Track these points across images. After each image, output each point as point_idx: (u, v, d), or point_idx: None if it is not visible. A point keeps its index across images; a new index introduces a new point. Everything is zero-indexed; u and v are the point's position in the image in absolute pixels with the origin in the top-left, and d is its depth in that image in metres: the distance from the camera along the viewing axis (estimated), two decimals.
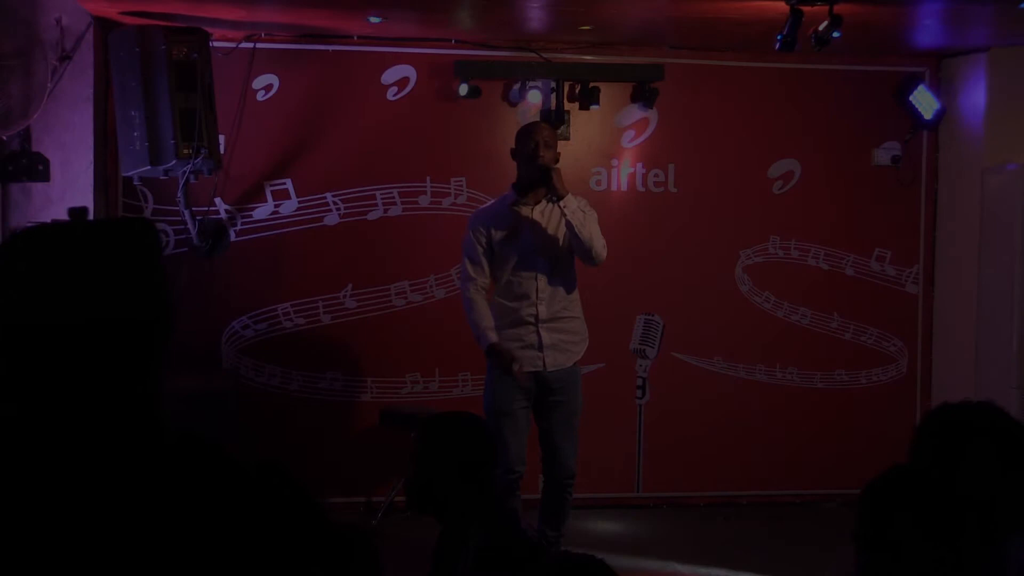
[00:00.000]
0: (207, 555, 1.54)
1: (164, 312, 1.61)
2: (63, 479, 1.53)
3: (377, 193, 6.89)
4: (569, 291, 5.57)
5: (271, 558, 1.58)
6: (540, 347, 5.47)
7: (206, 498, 1.56)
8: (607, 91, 6.94)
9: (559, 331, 5.50)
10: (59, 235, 1.59)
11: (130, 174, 5.92)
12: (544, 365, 5.47)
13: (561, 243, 5.49)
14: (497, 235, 5.48)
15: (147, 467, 1.55)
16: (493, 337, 5.41)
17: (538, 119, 6.75)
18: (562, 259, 5.52)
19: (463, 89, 6.68)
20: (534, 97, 6.86)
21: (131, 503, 1.52)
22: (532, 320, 5.46)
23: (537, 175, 5.43)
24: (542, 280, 5.48)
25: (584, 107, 6.91)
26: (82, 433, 1.55)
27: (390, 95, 6.88)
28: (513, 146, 5.56)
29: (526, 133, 5.51)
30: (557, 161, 5.49)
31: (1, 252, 1.57)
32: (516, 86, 6.85)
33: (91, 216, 1.64)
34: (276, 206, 6.81)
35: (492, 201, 5.82)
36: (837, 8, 5.16)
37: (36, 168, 5.59)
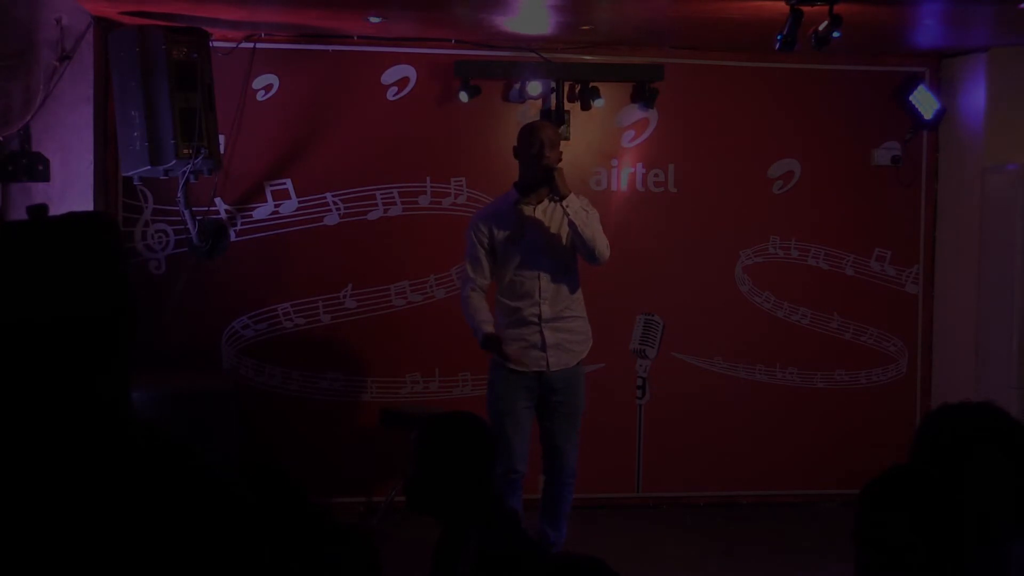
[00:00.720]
0: (165, 559, 1.53)
1: (124, 308, 1.60)
2: (21, 479, 1.52)
3: (377, 193, 6.89)
4: (572, 291, 5.56)
5: (236, 564, 1.56)
6: (543, 347, 5.46)
7: (167, 500, 1.54)
8: (607, 91, 6.94)
9: (562, 331, 5.50)
10: (15, 233, 1.59)
11: (130, 174, 5.92)
12: (547, 365, 5.46)
13: (563, 242, 5.49)
14: (499, 235, 5.48)
15: (109, 468, 1.54)
16: (488, 328, 5.41)
17: (538, 119, 6.76)
18: (565, 258, 5.52)
19: (463, 96, 6.69)
20: (534, 97, 6.86)
21: (90, 504, 1.51)
22: (535, 320, 5.46)
23: (541, 175, 5.43)
24: (545, 279, 5.47)
25: (584, 107, 6.91)
26: (43, 433, 1.54)
27: (390, 95, 6.88)
28: (515, 145, 5.56)
29: (529, 132, 5.50)
30: (560, 160, 5.49)
31: None
32: (516, 86, 6.85)
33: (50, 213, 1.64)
34: (276, 206, 6.81)
35: (494, 200, 5.82)
36: (837, 8, 5.16)
37: (36, 168, 5.58)
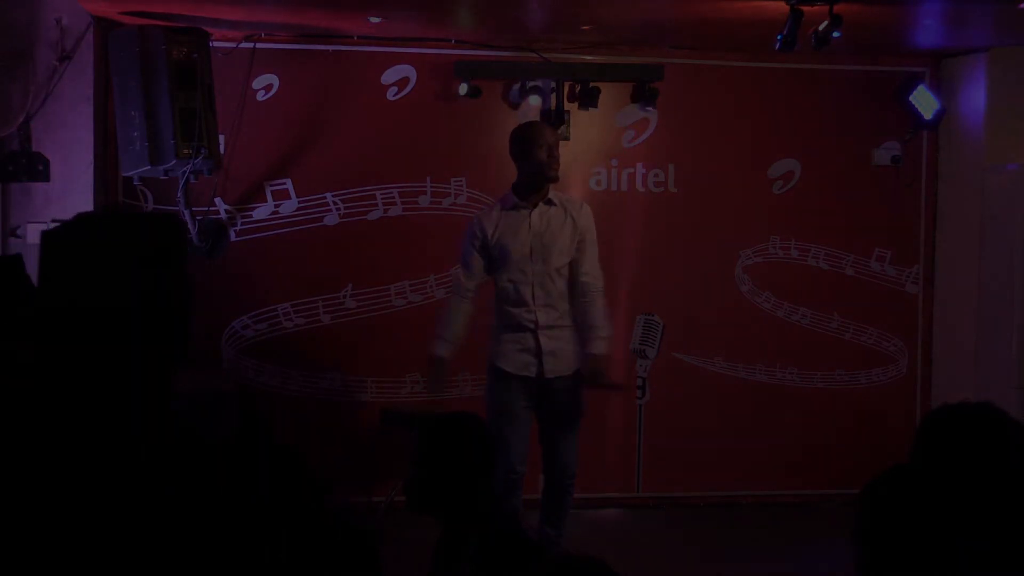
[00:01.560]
0: (206, 552, 1.54)
1: (189, 302, 1.64)
2: (78, 464, 1.53)
3: (377, 193, 6.89)
4: (567, 299, 5.47)
5: (270, 558, 1.58)
6: (538, 353, 5.41)
7: (206, 496, 1.56)
8: (607, 91, 6.94)
9: (558, 338, 5.43)
10: (107, 224, 1.63)
11: (130, 174, 5.92)
12: (542, 371, 5.42)
13: (558, 249, 5.41)
14: (494, 238, 5.43)
15: (159, 459, 1.56)
16: (440, 349, 5.46)
17: (538, 119, 6.76)
18: (561, 264, 5.44)
19: (463, 88, 6.68)
20: (534, 97, 6.86)
21: (138, 493, 1.53)
22: (531, 326, 5.40)
23: (542, 182, 5.42)
24: (539, 285, 5.41)
25: (584, 107, 6.91)
26: (103, 420, 1.56)
27: (390, 95, 6.88)
28: (512, 146, 5.51)
29: (531, 138, 5.42)
30: (557, 150, 5.46)
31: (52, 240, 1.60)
32: (516, 86, 6.85)
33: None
34: (276, 206, 6.81)
35: (494, 203, 5.76)
36: (837, 8, 5.16)
37: (36, 168, 5.58)
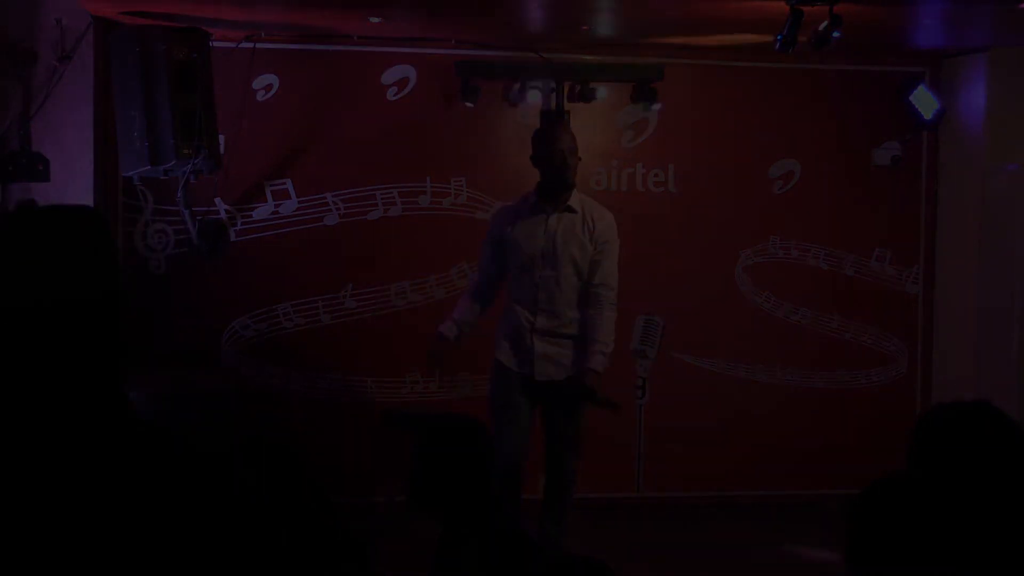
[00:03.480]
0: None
1: (113, 292, 1.64)
2: (14, 473, 1.53)
3: (377, 193, 6.89)
4: (575, 310, 5.39)
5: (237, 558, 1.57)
6: (531, 354, 5.40)
7: (165, 493, 1.55)
8: (607, 91, 6.94)
9: (554, 344, 5.40)
10: (5, 224, 1.63)
11: (130, 174, 5.92)
12: (532, 372, 5.41)
13: (570, 257, 5.36)
14: (509, 235, 5.43)
15: (103, 458, 1.56)
16: (446, 328, 5.52)
17: (538, 119, 6.77)
18: (570, 272, 5.37)
19: (463, 96, 6.69)
20: (534, 97, 6.86)
21: (86, 497, 1.52)
22: (528, 327, 5.40)
23: (561, 186, 5.38)
24: (544, 290, 5.37)
25: (584, 101, 6.91)
26: (39, 420, 1.56)
27: (390, 95, 6.88)
28: (532, 150, 5.47)
29: (546, 142, 5.39)
30: (578, 163, 5.41)
31: None
32: (516, 86, 6.85)
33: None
34: (276, 206, 6.81)
35: (516, 199, 5.70)
36: (837, 8, 5.15)
37: (36, 168, 5.57)
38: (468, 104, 6.74)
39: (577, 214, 5.38)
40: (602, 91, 6.92)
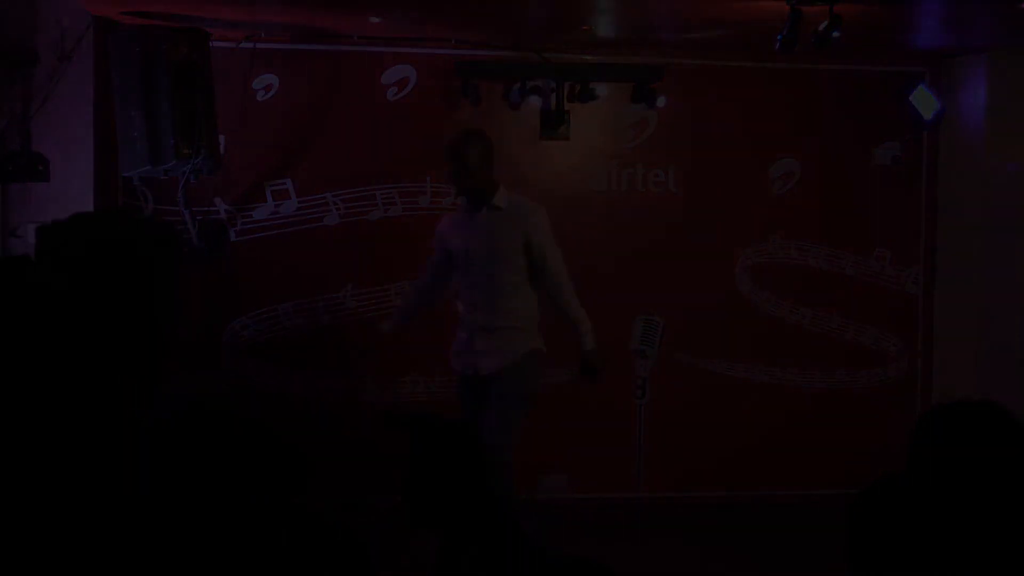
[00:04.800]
0: (203, 552, 1.54)
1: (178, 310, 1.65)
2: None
3: (377, 193, 6.89)
4: (513, 301, 5.49)
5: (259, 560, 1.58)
6: (474, 352, 5.53)
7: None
8: (607, 91, 6.94)
9: (496, 338, 5.49)
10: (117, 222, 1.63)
11: (130, 174, 5.92)
12: (477, 369, 5.52)
13: (498, 253, 5.46)
14: (448, 238, 5.61)
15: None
16: (384, 324, 6.06)
17: (538, 119, 6.78)
18: (502, 270, 5.48)
19: (467, 102, 6.69)
20: (534, 97, 6.86)
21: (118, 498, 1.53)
22: (472, 326, 5.54)
23: (460, 192, 5.56)
24: (479, 287, 5.52)
25: (584, 106, 6.91)
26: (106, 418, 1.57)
27: (390, 95, 6.88)
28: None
29: (445, 151, 5.54)
30: (479, 176, 5.43)
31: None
32: (516, 86, 6.84)
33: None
34: (276, 206, 6.80)
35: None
36: (837, 8, 5.15)
37: (36, 168, 5.58)
38: (468, 104, 6.74)
39: (503, 211, 5.46)
40: (602, 91, 6.92)
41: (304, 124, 6.80)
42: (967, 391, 6.55)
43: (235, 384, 6.69)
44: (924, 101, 7.09)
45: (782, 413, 7.26)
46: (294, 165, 6.80)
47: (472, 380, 5.56)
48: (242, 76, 6.54)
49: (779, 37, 5.38)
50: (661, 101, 6.97)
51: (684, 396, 7.18)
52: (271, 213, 6.80)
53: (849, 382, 7.38)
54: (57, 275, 1.58)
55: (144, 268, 1.63)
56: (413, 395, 6.96)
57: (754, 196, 7.22)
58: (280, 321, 6.83)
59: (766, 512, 7.06)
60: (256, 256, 6.77)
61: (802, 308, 7.31)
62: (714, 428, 7.20)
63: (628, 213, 7.10)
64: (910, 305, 7.42)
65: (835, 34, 5.21)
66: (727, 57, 7.10)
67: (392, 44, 6.80)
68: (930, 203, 7.40)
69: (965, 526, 2.34)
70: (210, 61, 5.84)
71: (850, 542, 2.38)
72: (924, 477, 2.46)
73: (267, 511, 1.62)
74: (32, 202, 5.86)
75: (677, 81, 7.00)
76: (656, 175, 7.14)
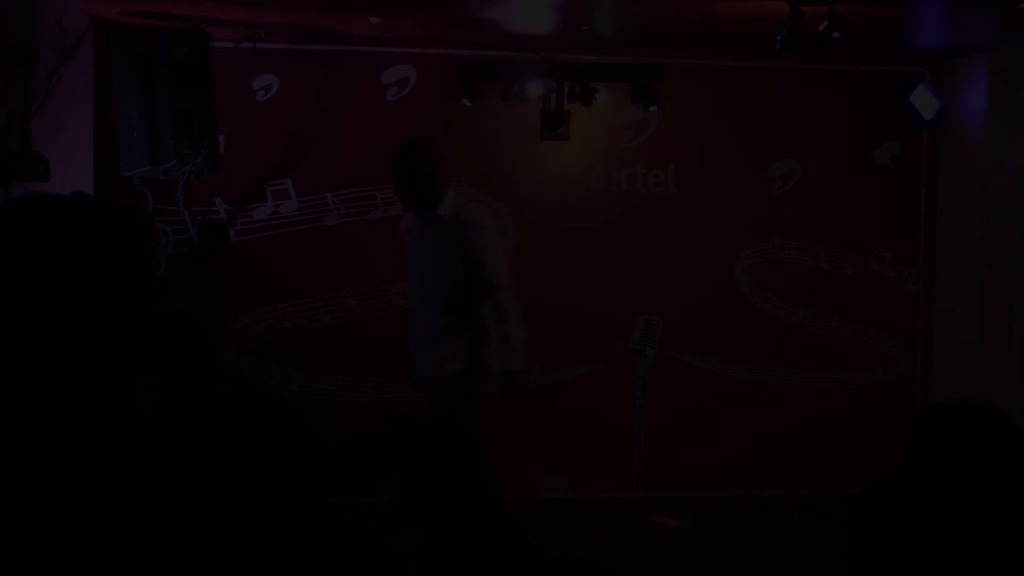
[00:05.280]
0: (201, 551, 1.54)
1: (151, 302, 1.62)
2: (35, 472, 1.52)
3: (377, 193, 6.89)
4: (450, 307, 5.42)
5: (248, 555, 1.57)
6: (415, 355, 5.59)
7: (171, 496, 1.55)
8: (607, 91, 6.94)
9: (435, 344, 5.47)
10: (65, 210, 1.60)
11: (130, 174, 5.92)
12: (416, 373, 5.59)
13: (438, 259, 5.44)
14: (405, 238, 5.64)
15: (118, 462, 1.55)
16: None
17: (538, 119, 6.78)
18: (439, 279, 5.44)
19: (464, 99, 6.69)
20: (534, 97, 6.86)
21: (97, 500, 1.52)
22: (416, 329, 5.60)
23: (403, 202, 5.56)
24: (422, 293, 5.56)
25: (584, 107, 6.91)
26: (47, 417, 1.55)
27: (390, 95, 6.88)
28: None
29: (392, 161, 5.52)
30: (421, 179, 5.39)
31: None
32: (516, 86, 6.84)
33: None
34: (276, 206, 6.81)
35: None
36: (837, 8, 5.15)
37: (36, 168, 5.57)
38: (468, 104, 6.75)
39: (445, 219, 5.41)
40: (602, 91, 6.92)
41: (304, 124, 6.80)
42: (966, 391, 6.56)
43: (235, 384, 6.68)
44: (924, 101, 7.09)
45: (782, 413, 7.26)
46: (294, 165, 6.80)
47: (419, 382, 5.61)
48: (242, 76, 6.54)
49: (779, 37, 5.38)
50: (653, 112, 6.97)
51: (684, 396, 7.18)
52: (271, 213, 6.80)
53: (849, 382, 7.38)
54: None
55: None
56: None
57: (754, 196, 7.22)
58: (280, 321, 6.84)
59: (766, 512, 7.07)
60: (256, 256, 6.77)
61: (802, 308, 7.31)
62: (714, 428, 7.20)
63: (628, 213, 7.10)
64: (910, 305, 7.42)
65: (835, 34, 5.21)
66: (727, 57, 7.10)
67: (392, 44, 6.81)
68: (930, 203, 7.40)
69: (962, 525, 2.35)
70: (210, 61, 5.84)
71: (850, 542, 2.38)
72: (920, 477, 2.46)
73: (268, 513, 1.62)
74: None
75: (677, 81, 7.00)
76: (656, 175, 7.14)
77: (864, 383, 7.39)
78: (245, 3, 5.92)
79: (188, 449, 1.59)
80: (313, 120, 6.81)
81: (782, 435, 7.26)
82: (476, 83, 6.73)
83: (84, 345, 1.55)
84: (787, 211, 7.25)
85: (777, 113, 7.23)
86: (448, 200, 5.44)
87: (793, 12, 5.23)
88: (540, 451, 6.81)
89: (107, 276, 1.57)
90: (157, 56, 5.62)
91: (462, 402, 5.39)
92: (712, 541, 6.57)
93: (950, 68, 7.23)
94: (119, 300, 1.57)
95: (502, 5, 5.92)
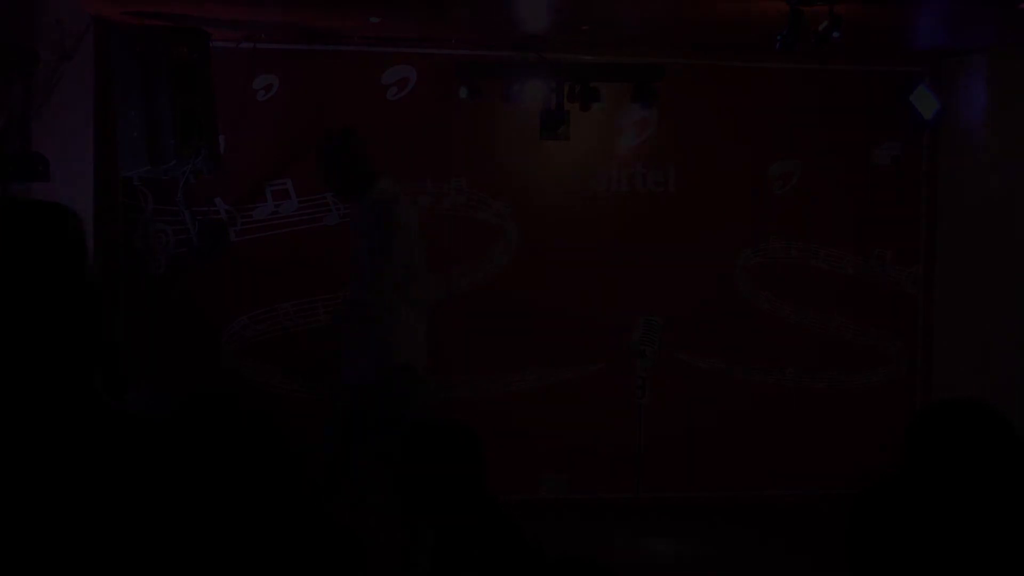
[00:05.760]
0: (201, 551, 1.53)
1: (88, 294, 1.61)
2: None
3: None
4: (370, 303, 5.39)
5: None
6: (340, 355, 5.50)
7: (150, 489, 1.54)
8: (607, 91, 6.94)
9: (353, 343, 5.42)
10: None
11: (130, 174, 5.92)
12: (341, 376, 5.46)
13: (357, 244, 5.42)
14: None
15: (83, 452, 1.54)
16: None
17: (538, 119, 6.77)
18: (361, 261, 5.41)
19: (463, 92, 6.68)
20: (534, 97, 6.85)
21: (60, 485, 1.51)
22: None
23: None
24: (353, 278, 5.50)
25: (584, 107, 6.91)
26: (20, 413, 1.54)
27: (390, 95, 6.87)
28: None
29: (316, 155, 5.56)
30: (344, 167, 5.45)
31: None
32: (516, 86, 6.84)
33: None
34: (276, 206, 6.80)
35: None
36: (837, 8, 5.15)
37: (36, 168, 5.57)
38: (468, 104, 6.74)
39: (367, 200, 5.41)
40: (602, 92, 6.91)
41: (304, 124, 6.80)
42: (967, 391, 6.55)
43: (235, 384, 6.68)
44: (924, 101, 7.09)
45: (782, 413, 7.26)
46: (294, 165, 6.80)
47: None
48: (242, 76, 6.54)
49: (779, 37, 5.38)
50: (653, 112, 6.97)
51: (684, 396, 7.18)
52: (271, 213, 6.80)
53: (849, 382, 7.38)
54: None
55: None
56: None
57: (754, 196, 7.22)
58: (280, 321, 6.83)
59: (766, 512, 7.06)
60: (256, 256, 6.77)
61: (802, 308, 7.31)
62: (714, 428, 7.20)
63: (628, 213, 7.10)
64: (910, 305, 7.42)
65: (835, 34, 5.21)
66: (727, 57, 7.10)
67: (392, 44, 6.80)
68: (930, 203, 7.40)
69: (962, 525, 2.35)
70: (210, 61, 5.85)
71: (850, 542, 2.38)
72: (919, 477, 2.46)
73: (269, 511, 1.62)
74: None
75: (677, 81, 6.99)
76: (656, 175, 7.14)
77: (864, 383, 7.39)
78: (245, 3, 5.92)
79: (188, 449, 1.58)
80: (313, 120, 6.80)
81: (782, 435, 7.25)
82: (476, 83, 6.72)
83: (16, 336, 1.55)
84: (787, 211, 7.25)
85: (777, 113, 7.23)
86: (378, 185, 5.42)
87: (793, 12, 5.23)
88: (540, 451, 6.81)
89: (22, 271, 1.56)
90: (157, 56, 5.62)
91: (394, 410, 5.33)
92: (712, 541, 6.56)
93: (950, 68, 7.23)
94: (41, 291, 1.57)
95: (503, 5, 5.92)
